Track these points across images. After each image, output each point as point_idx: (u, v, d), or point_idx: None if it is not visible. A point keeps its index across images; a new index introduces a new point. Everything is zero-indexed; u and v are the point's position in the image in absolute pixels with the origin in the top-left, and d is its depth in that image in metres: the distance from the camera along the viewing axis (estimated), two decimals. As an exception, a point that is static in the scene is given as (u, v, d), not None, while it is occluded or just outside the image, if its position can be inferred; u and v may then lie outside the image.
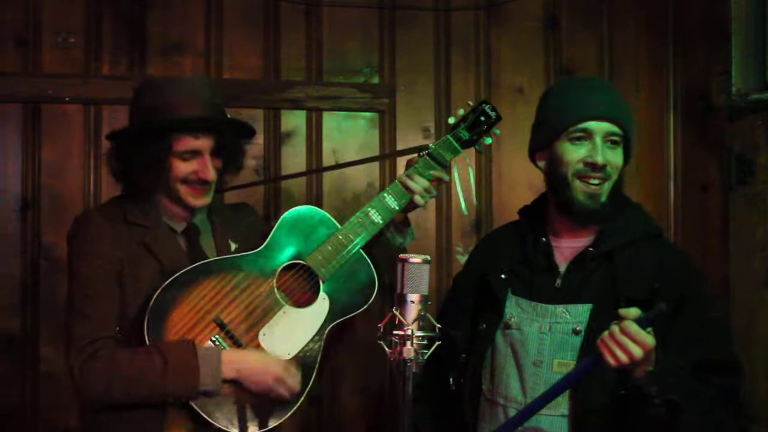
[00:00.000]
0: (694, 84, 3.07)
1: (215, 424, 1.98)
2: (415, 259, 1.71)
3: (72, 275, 2.05)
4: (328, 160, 3.01)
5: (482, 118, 2.27)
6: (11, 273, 2.83)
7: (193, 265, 2.04)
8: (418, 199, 2.21)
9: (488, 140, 2.31)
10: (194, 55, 2.96)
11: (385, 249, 2.26)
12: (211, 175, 2.08)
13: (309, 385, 2.11)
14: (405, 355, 1.68)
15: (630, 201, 2.18)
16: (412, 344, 1.68)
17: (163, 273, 2.04)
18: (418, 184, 2.19)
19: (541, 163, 2.14)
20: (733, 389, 1.95)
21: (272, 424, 2.05)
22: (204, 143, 2.07)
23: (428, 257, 1.73)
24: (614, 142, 2.04)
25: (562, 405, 1.95)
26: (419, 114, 3.09)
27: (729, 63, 2.95)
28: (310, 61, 3.04)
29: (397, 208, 2.20)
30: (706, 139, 3.04)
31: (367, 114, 3.07)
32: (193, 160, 2.07)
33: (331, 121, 3.04)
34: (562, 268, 2.08)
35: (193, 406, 1.97)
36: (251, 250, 2.16)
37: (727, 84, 2.95)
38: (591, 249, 2.06)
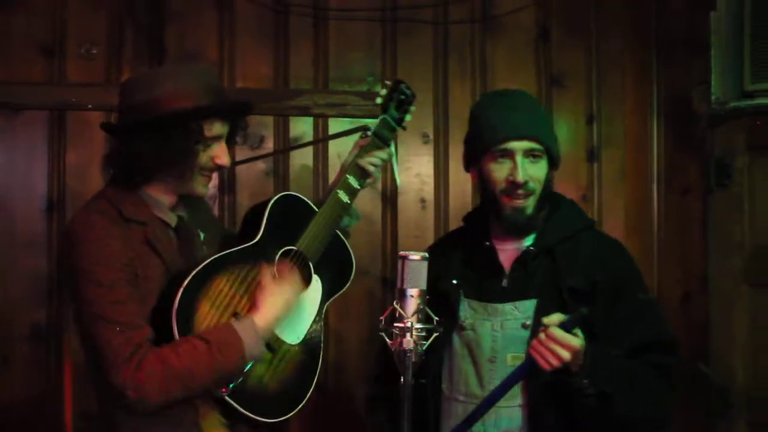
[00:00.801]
0: (677, 93, 3.08)
1: (244, 412, 1.92)
2: (415, 256, 1.74)
3: (88, 284, 1.84)
4: (333, 163, 3.02)
5: (402, 97, 2.28)
6: (38, 268, 2.85)
7: (204, 263, 1.94)
8: (376, 174, 2.24)
9: (408, 117, 2.32)
10: (208, 65, 2.94)
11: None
12: (228, 161, 2.01)
13: (319, 365, 2.12)
14: (405, 345, 1.70)
15: (563, 199, 2.22)
16: (411, 336, 1.70)
17: (166, 270, 1.93)
18: (375, 159, 2.23)
19: (473, 177, 2.19)
20: (668, 365, 2.01)
21: (294, 409, 2.04)
22: (226, 129, 2.00)
23: (426, 255, 1.75)
24: (535, 156, 2.07)
25: (518, 396, 2.00)
26: (419, 120, 3.05)
27: (709, 73, 2.94)
28: (317, 70, 3.06)
29: (359, 187, 2.21)
30: (688, 144, 3.05)
31: (370, 120, 3.08)
32: (213, 146, 1.97)
33: (336, 127, 3.04)
34: (507, 268, 2.11)
35: (229, 401, 1.90)
36: (215, 236, 2.14)
37: (707, 93, 2.94)
38: (532, 248, 2.10)
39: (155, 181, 1.97)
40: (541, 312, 2.01)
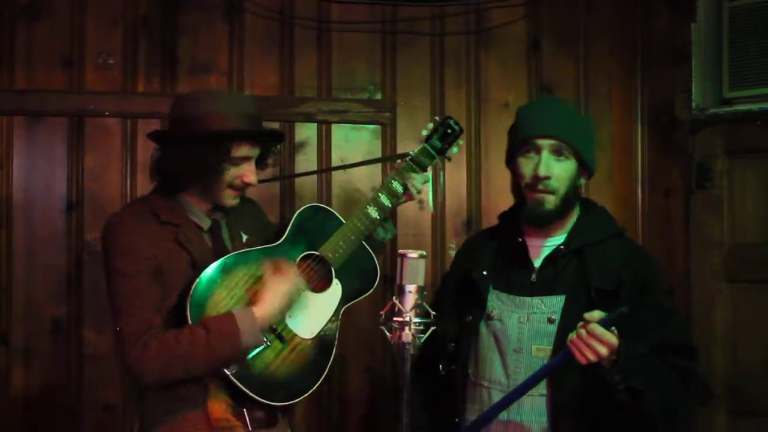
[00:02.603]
0: (660, 100, 3.08)
1: (247, 391, 1.96)
2: (413, 254, 1.73)
3: (114, 274, 1.97)
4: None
5: (449, 131, 2.31)
6: (58, 265, 2.85)
7: (226, 257, 2.02)
8: (413, 194, 2.26)
9: (455, 150, 2.34)
10: (219, 74, 2.98)
11: (369, 242, 2.28)
12: (255, 180, 2.08)
13: (330, 360, 2.13)
14: (404, 339, 1.70)
15: (595, 205, 2.20)
16: (410, 329, 1.70)
17: (194, 265, 2.01)
18: (409, 181, 2.25)
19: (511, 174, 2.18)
20: (689, 369, 1.97)
21: (297, 398, 2.05)
22: (255, 151, 2.07)
23: (424, 252, 1.74)
24: (561, 156, 2.04)
25: (540, 386, 1.96)
26: (417, 127, 2.93)
27: (690, 82, 2.97)
28: (321, 79, 3.05)
29: (389, 206, 2.23)
30: (670, 148, 3.06)
31: (371, 126, 3.08)
32: (241, 166, 2.04)
33: (339, 132, 3.05)
34: (537, 264, 2.09)
35: (232, 379, 1.95)
36: (260, 239, 2.18)
37: (689, 100, 2.98)
38: (563, 247, 2.07)
39: (189, 189, 2.07)
40: (568, 309, 1.99)
